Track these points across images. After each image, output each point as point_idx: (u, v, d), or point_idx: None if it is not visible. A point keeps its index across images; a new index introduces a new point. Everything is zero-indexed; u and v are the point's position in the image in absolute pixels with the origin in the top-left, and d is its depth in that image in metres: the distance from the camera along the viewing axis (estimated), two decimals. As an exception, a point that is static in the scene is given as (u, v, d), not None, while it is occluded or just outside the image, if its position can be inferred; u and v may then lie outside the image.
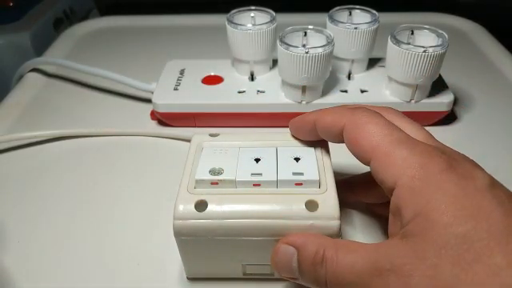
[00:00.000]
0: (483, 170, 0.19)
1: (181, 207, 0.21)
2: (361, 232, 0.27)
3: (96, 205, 0.30)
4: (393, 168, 0.18)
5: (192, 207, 0.21)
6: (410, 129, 0.21)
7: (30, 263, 0.26)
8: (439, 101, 0.35)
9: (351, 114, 0.21)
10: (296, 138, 0.25)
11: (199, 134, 0.26)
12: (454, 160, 0.18)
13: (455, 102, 0.38)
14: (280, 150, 0.24)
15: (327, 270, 0.19)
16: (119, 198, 0.31)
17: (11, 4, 0.61)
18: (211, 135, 0.26)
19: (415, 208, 0.17)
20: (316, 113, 0.23)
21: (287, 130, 0.26)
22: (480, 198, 0.17)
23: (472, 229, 0.16)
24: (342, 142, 0.22)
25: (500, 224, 0.16)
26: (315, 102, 0.35)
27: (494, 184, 0.18)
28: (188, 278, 0.25)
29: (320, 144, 0.25)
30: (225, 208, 0.21)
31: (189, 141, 0.26)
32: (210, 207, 0.21)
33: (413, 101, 0.35)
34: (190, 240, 0.22)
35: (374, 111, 0.21)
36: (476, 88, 0.42)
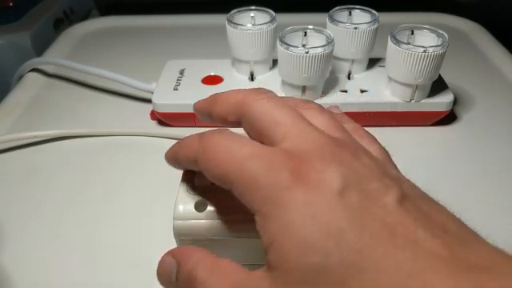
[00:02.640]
0: (337, 161, 0.16)
1: (180, 207, 0.21)
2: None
3: (96, 205, 0.30)
4: (246, 194, 0.16)
5: (192, 207, 0.21)
6: (271, 122, 0.18)
7: (30, 263, 0.26)
8: (439, 101, 0.35)
9: (199, 142, 0.19)
10: None
11: None
12: (303, 162, 0.16)
13: (455, 101, 0.38)
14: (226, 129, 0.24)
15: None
16: (119, 198, 0.31)
17: (11, 4, 0.61)
18: None
19: (269, 236, 0.15)
20: (173, 147, 0.22)
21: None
22: (329, 215, 0.15)
23: (324, 258, 0.14)
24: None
25: (352, 247, 0.14)
26: (315, 101, 0.35)
27: (346, 185, 0.15)
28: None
29: None
30: (224, 208, 0.21)
31: None
32: (210, 207, 0.21)
33: (413, 101, 0.35)
34: (189, 240, 0.22)
35: (221, 131, 0.18)
36: (476, 88, 0.42)
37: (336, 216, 0.15)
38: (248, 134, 0.20)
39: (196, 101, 0.36)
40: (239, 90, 0.21)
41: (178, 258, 0.19)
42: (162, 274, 0.19)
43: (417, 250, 0.14)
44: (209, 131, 0.19)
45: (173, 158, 0.22)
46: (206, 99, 0.23)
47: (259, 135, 0.19)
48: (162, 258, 0.20)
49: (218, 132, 0.18)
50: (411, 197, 0.16)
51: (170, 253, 0.19)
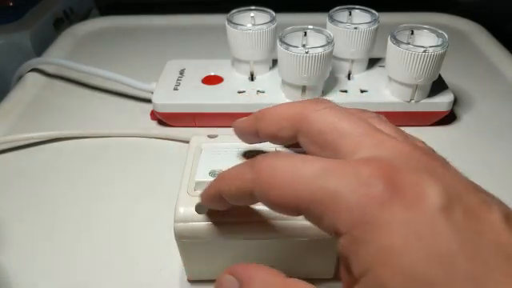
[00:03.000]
0: (437, 171, 0.15)
1: (181, 210, 0.21)
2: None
3: (96, 205, 0.30)
4: (326, 216, 0.14)
5: (192, 209, 0.21)
6: (337, 135, 0.17)
7: (30, 263, 0.26)
8: (439, 101, 0.35)
9: (252, 170, 0.16)
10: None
11: (198, 136, 0.26)
12: (396, 172, 0.14)
13: (455, 101, 0.38)
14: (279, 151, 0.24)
15: None
16: (119, 199, 0.31)
17: (11, 4, 0.61)
18: (210, 136, 0.26)
19: (363, 263, 0.13)
20: (217, 184, 0.18)
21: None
22: (436, 238, 0.13)
23: None
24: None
25: (467, 276, 0.12)
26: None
27: (449, 200, 0.13)
28: (189, 281, 0.25)
29: None
30: (225, 210, 0.21)
31: (187, 142, 0.26)
32: (211, 209, 0.21)
33: (413, 101, 0.35)
34: (190, 242, 0.22)
35: (276, 154, 0.17)
36: (476, 88, 0.42)
37: (444, 239, 0.13)
38: (307, 150, 0.18)
39: (196, 101, 0.36)
40: (292, 103, 0.19)
41: (241, 278, 0.17)
42: None
43: None
44: (260, 156, 0.16)
45: (215, 196, 0.19)
46: (248, 117, 0.21)
47: (323, 149, 0.17)
48: (221, 276, 0.17)
49: (272, 155, 0.16)
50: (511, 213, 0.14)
51: (230, 271, 0.17)
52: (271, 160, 0.16)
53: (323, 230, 0.15)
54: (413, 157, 0.15)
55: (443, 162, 0.16)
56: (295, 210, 0.15)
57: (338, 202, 0.14)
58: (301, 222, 0.21)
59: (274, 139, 0.19)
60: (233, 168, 0.18)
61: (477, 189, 0.15)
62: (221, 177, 0.18)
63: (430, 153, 0.16)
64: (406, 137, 0.17)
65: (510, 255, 0.12)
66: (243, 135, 0.22)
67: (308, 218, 0.15)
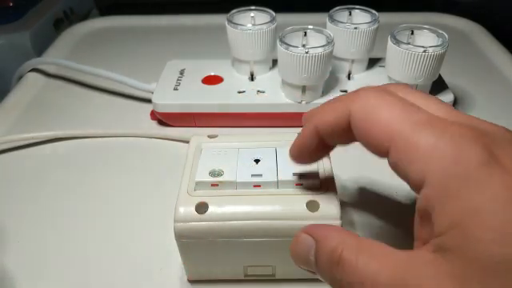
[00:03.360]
0: None
1: (181, 210, 0.21)
2: (361, 232, 0.27)
3: (96, 205, 0.30)
4: (418, 161, 0.15)
5: (193, 209, 0.21)
6: (428, 106, 0.17)
7: (30, 263, 0.26)
8: (439, 101, 0.35)
9: (354, 100, 0.17)
10: (294, 138, 0.25)
11: (198, 136, 0.26)
12: (493, 144, 0.14)
13: (455, 101, 0.38)
14: (279, 151, 0.24)
15: (344, 274, 0.15)
16: (119, 199, 0.31)
17: (11, 4, 0.61)
18: (210, 136, 0.26)
19: (451, 217, 0.14)
20: (312, 118, 0.19)
21: (286, 130, 0.26)
22: None
23: None
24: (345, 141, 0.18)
25: None
26: (315, 101, 0.35)
27: None
28: (189, 281, 0.25)
29: None
30: (225, 209, 0.21)
31: (187, 142, 0.26)
32: (211, 209, 0.21)
33: (413, 101, 0.35)
34: (191, 242, 0.22)
35: (383, 90, 0.17)
36: (476, 88, 0.42)
37: None
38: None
39: (196, 101, 0.36)
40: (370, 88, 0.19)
41: (317, 236, 0.17)
42: (297, 252, 0.18)
43: None
44: (365, 88, 0.17)
45: (311, 133, 0.19)
46: (300, 132, 0.20)
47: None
48: (297, 235, 0.18)
49: (380, 89, 0.17)
50: None
51: (306, 230, 0.18)
52: (377, 94, 0.17)
53: (403, 175, 0.15)
54: (504, 134, 0.16)
55: None
56: (385, 149, 0.16)
57: (437, 153, 0.14)
58: (301, 222, 0.21)
59: (332, 130, 0.19)
60: (330, 101, 0.18)
61: None
62: (315, 112, 0.19)
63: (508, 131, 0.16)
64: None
65: None
66: (305, 149, 0.20)
67: (395, 158, 0.15)
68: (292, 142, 0.25)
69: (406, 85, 0.19)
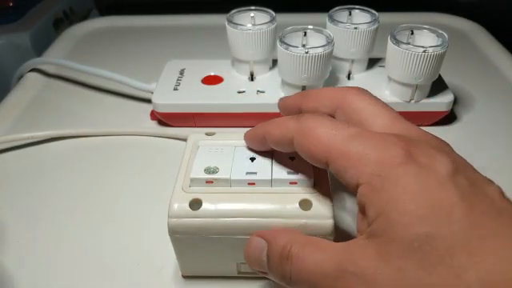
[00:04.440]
0: (447, 151, 0.18)
1: (175, 205, 0.22)
2: (354, 231, 0.27)
3: (95, 204, 0.30)
4: (351, 167, 0.18)
5: (187, 206, 0.21)
6: (370, 114, 0.20)
7: (30, 263, 0.26)
8: (439, 101, 0.35)
9: (296, 122, 0.20)
10: None
11: (195, 133, 0.26)
12: (413, 147, 0.17)
13: (455, 101, 0.38)
14: (275, 150, 0.24)
15: (292, 266, 0.18)
16: (118, 198, 0.31)
17: (11, 4, 0.61)
18: (207, 134, 0.26)
19: (377, 207, 0.16)
20: (265, 126, 0.22)
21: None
22: (441, 192, 0.16)
23: (433, 229, 0.15)
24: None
25: (462, 221, 0.15)
26: (315, 102, 0.35)
27: (456, 170, 0.17)
28: (183, 276, 0.25)
29: None
30: (219, 206, 0.21)
31: (186, 140, 0.26)
32: (205, 206, 0.21)
33: (412, 101, 0.35)
34: (184, 238, 0.22)
35: (320, 115, 0.20)
36: (476, 88, 0.42)
37: (447, 193, 0.16)
38: None
39: (196, 101, 0.36)
40: (334, 88, 0.23)
41: (268, 238, 0.20)
42: (251, 255, 0.20)
43: None
44: (306, 114, 0.20)
45: (259, 136, 0.23)
46: (295, 95, 0.25)
47: (358, 126, 0.20)
48: (251, 239, 0.20)
49: (318, 115, 0.20)
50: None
51: (259, 234, 0.20)
52: (317, 118, 0.20)
53: (344, 181, 0.18)
54: (432, 140, 0.19)
55: (450, 147, 0.19)
56: (324, 161, 0.19)
57: (364, 159, 0.17)
58: (294, 220, 0.21)
59: (277, 142, 0.22)
60: (280, 118, 0.22)
61: (477, 171, 0.18)
62: (269, 122, 0.22)
63: (440, 139, 0.20)
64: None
65: (501, 213, 0.16)
66: (286, 110, 0.25)
67: (334, 168, 0.18)
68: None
69: (357, 91, 0.22)
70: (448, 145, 0.19)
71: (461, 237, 0.15)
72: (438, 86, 0.36)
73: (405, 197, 0.16)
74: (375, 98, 0.21)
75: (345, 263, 0.17)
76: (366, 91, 0.22)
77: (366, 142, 0.18)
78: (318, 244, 0.18)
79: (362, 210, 0.18)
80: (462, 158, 0.18)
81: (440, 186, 0.16)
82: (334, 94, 0.22)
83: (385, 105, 0.21)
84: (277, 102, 0.35)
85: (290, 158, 0.23)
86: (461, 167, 0.17)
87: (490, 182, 0.17)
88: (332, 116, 0.21)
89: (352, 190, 0.18)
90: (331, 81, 0.37)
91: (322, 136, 0.19)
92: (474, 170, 0.18)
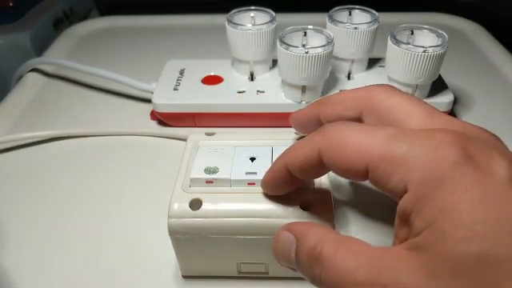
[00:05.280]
0: (501, 149, 0.16)
1: (175, 206, 0.22)
2: (354, 232, 0.27)
3: (95, 204, 0.30)
4: (397, 172, 0.15)
5: (187, 206, 0.22)
6: (404, 112, 0.18)
7: (30, 263, 0.26)
8: (439, 101, 0.35)
9: (322, 136, 0.18)
10: (291, 138, 0.25)
11: (195, 133, 0.26)
12: (467, 143, 0.15)
13: (455, 101, 0.38)
14: (275, 149, 0.24)
15: (323, 270, 0.16)
16: (118, 198, 0.31)
17: (11, 4, 0.61)
18: (207, 134, 0.26)
19: (427, 217, 0.14)
20: (284, 157, 0.19)
21: (284, 129, 0.26)
22: (501, 202, 0.14)
23: (492, 248, 0.13)
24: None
25: None
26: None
27: None
28: (183, 277, 0.25)
29: None
30: (219, 207, 0.21)
31: (186, 140, 0.26)
32: (205, 206, 0.21)
33: (413, 101, 0.35)
34: (184, 238, 0.22)
35: (347, 121, 0.18)
36: (476, 88, 0.42)
37: (507, 204, 0.14)
38: None
39: (196, 101, 0.36)
40: (355, 88, 0.20)
41: (297, 234, 0.18)
42: (278, 250, 0.18)
43: None
44: (328, 124, 0.18)
45: (279, 171, 0.20)
46: (308, 105, 0.22)
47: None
48: (278, 233, 0.18)
49: (344, 122, 0.17)
50: None
51: (287, 228, 0.18)
52: (341, 125, 0.17)
53: (388, 190, 0.16)
54: (481, 134, 0.16)
55: (501, 141, 0.17)
56: (363, 172, 0.16)
57: (411, 161, 0.15)
58: (294, 220, 0.21)
59: (302, 167, 0.19)
60: (299, 140, 0.19)
61: None
62: (287, 150, 0.19)
63: (490, 133, 0.17)
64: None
65: None
66: (301, 125, 0.22)
67: (376, 177, 0.16)
68: (288, 140, 0.25)
69: (384, 88, 0.19)
70: (499, 139, 0.17)
71: None
72: (438, 86, 0.36)
73: (461, 207, 0.14)
74: (405, 93, 0.19)
75: (383, 276, 0.14)
76: (393, 87, 0.20)
77: (410, 141, 0.15)
78: (352, 246, 0.16)
79: (405, 217, 0.16)
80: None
81: (502, 196, 0.14)
82: (357, 95, 0.20)
83: (418, 99, 0.19)
84: (277, 102, 0.36)
85: None
86: None
87: None
88: (358, 121, 0.19)
89: (397, 198, 0.16)
90: (331, 81, 0.37)
91: (357, 143, 0.16)
92: None
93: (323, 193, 0.22)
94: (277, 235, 0.19)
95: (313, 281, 0.17)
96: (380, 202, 0.29)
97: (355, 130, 0.17)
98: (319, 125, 0.20)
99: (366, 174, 0.16)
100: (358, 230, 0.28)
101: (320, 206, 0.21)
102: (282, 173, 0.20)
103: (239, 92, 0.36)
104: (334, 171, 0.18)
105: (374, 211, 0.29)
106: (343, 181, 0.31)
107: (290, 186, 0.21)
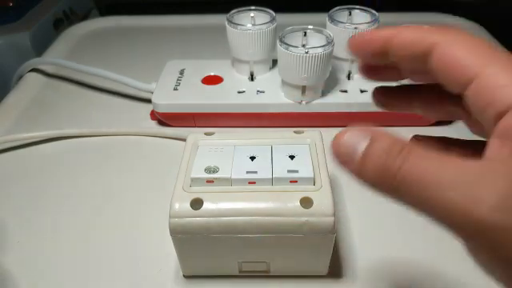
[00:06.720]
0: None
1: (176, 205, 0.22)
2: (355, 231, 0.27)
3: (96, 204, 0.30)
4: (508, 87, 0.14)
5: (188, 205, 0.22)
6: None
7: (30, 263, 0.26)
8: (439, 101, 0.35)
9: (442, 32, 0.16)
10: (291, 137, 0.25)
11: (195, 133, 0.26)
12: None
13: (455, 102, 0.38)
14: (275, 148, 0.24)
15: (405, 161, 0.14)
16: (118, 198, 0.31)
17: (11, 4, 0.61)
18: (206, 134, 0.26)
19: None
20: (391, 29, 0.17)
21: (285, 129, 0.26)
22: None
23: None
24: (417, 71, 0.17)
25: None
26: (315, 101, 0.35)
27: None
28: (184, 276, 0.25)
29: (315, 141, 0.25)
30: (220, 206, 0.21)
31: (185, 140, 0.26)
32: (206, 205, 0.21)
33: (413, 101, 0.35)
34: (185, 238, 0.22)
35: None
36: (476, 88, 0.42)
37: None
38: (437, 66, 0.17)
39: (196, 101, 0.36)
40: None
41: (372, 134, 0.15)
42: (341, 146, 0.16)
43: None
44: (451, 28, 0.16)
45: (381, 38, 0.18)
46: (372, 30, 0.19)
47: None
48: (344, 130, 0.16)
49: (466, 32, 0.16)
50: None
51: (357, 129, 0.16)
52: (468, 34, 0.16)
53: (482, 105, 0.15)
54: None
55: None
56: (471, 76, 0.15)
57: None
58: (295, 218, 0.21)
59: (405, 47, 0.17)
60: (413, 26, 0.17)
61: None
62: (396, 27, 0.17)
63: None
64: None
65: None
66: (362, 43, 0.19)
67: (479, 87, 0.15)
68: (288, 139, 0.25)
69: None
70: None
71: None
72: (438, 86, 0.36)
73: None
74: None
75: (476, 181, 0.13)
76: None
77: None
78: (442, 158, 0.14)
79: (507, 135, 0.14)
80: None
81: None
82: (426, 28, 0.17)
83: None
84: (277, 102, 0.36)
85: (289, 157, 0.23)
86: None
87: None
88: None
89: (495, 115, 0.14)
90: (331, 81, 0.37)
91: (479, 49, 0.15)
92: None
93: (324, 191, 0.22)
94: (340, 133, 0.16)
95: (382, 177, 0.15)
96: (380, 202, 0.29)
97: (477, 40, 0.16)
98: (382, 53, 0.18)
99: (468, 82, 0.15)
100: (359, 228, 0.28)
101: (320, 204, 0.21)
102: (379, 42, 0.18)
103: (239, 92, 0.36)
104: (434, 70, 0.16)
105: (374, 210, 0.29)
106: (343, 179, 0.31)
107: (372, 58, 0.19)
